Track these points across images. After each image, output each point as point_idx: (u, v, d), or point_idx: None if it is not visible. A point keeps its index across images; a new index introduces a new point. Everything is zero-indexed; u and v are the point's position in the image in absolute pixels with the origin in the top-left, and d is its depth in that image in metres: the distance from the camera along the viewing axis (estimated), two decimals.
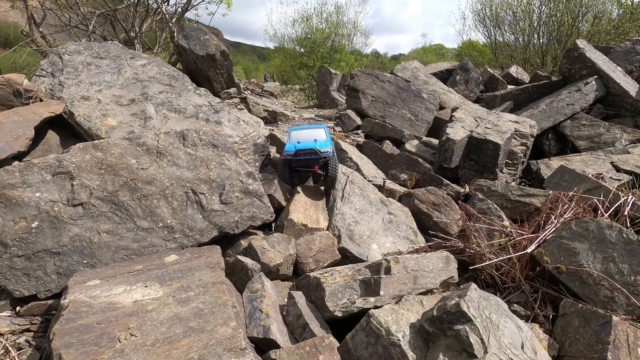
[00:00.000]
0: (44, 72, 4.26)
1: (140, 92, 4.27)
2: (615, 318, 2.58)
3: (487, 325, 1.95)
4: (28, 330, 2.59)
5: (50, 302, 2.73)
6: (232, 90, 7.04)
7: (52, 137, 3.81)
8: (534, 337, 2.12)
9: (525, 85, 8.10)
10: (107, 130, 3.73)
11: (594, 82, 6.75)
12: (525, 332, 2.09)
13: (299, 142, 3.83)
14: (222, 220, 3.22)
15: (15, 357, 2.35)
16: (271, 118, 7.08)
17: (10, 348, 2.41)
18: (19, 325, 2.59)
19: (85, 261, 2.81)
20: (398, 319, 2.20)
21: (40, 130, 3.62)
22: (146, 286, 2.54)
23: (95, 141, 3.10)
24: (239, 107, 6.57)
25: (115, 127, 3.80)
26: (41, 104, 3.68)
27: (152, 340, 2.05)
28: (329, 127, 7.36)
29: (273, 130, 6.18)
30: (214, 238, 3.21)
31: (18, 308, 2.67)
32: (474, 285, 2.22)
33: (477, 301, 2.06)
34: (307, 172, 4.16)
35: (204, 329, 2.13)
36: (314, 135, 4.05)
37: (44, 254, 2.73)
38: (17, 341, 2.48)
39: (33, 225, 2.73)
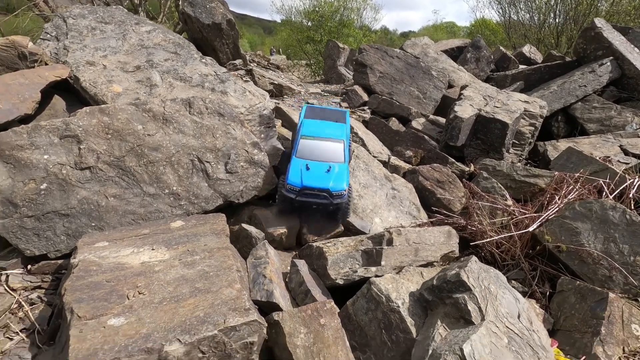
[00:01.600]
0: (48, 35, 4.19)
1: (146, 59, 4.22)
2: (611, 295, 2.63)
3: (486, 295, 1.99)
4: (39, 287, 2.68)
5: (60, 261, 2.81)
6: (238, 61, 6.93)
7: (58, 102, 3.80)
8: (530, 309, 2.17)
9: (538, 65, 7.89)
10: (112, 96, 3.71)
11: (609, 64, 6.56)
12: (523, 304, 2.14)
13: (307, 169, 3.09)
14: (227, 189, 3.25)
15: (28, 312, 2.45)
16: (277, 91, 6.99)
17: (23, 303, 2.50)
18: (30, 282, 2.68)
19: (93, 224, 2.86)
20: (398, 288, 2.25)
21: (46, 95, 3.60)
22: (153, 249, 2.60)
23: (102, 105, 3.09)
24: (244, 79, 6.48)
25: (120, 94, 3.78)
26: (46, 67, 3.65)
27: (160, 299, 2.12)
28: (334, 102, 7.27)
29: (279, 103, 6.13)
30: (219, 206, 3.25)
31: (29, 266, 2.75)
32: (474, 258, 2.25)
33: (477, 272, 2.09)
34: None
35: (209, 290, 2.20)
36: (329, 153, 3.24)
37: (53, 215, 2.78)
38: (29, 297, 2.58)
39: (42, 186, 2.77)
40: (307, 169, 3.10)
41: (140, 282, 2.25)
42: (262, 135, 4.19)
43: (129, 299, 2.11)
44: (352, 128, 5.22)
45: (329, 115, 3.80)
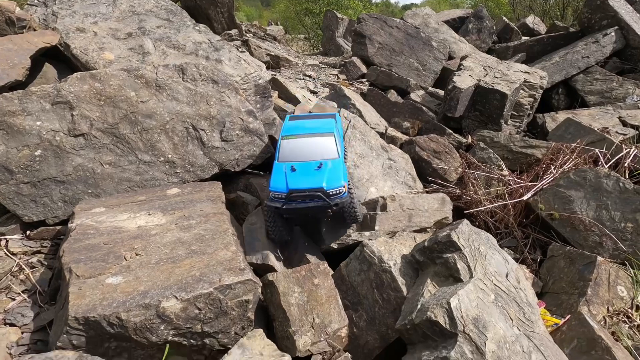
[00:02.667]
0: (36, 1, 4.06)
1: (137, 26, 4.11)
2: (600, 258, 2.68)
3: (475, 255, 2.04)
4: (39, 252, 2.73)
5: (58, 228, 2.84)
6: (234, 32, 6.75)
7: (49, 70, 3.73)
8: (519, 270, 2.22)
9: (541, 36, 7.71)
10: (104, 64, 3.64)
11: (613, 34, 6.41)
12: (511, 265, 2.19)
13: (293, 170, 2.49)
14: (222, 157, 3.24)
15: (29, 274, 2.51)
16: (274, 63, 6.86)
17: (23, 266, 2.55)
18: (30, 247, 2.72)
19: (89, 191, 2.88)
20: (390, 250, 2.30)
21: (36, 63, 3.53)
22: (149, 214, 2.63)
23: (93, 71, 3.04)
24: (240, 49, 6.34)
25: (113, 62, 3.70)
26: (35, 33, 3.56)
27: (156, 260, 2.17)
28: (332, 75, 7.15)
29: (275, 75, 6.02)
30: (215, 175, 3.26)
31: (28, 232, 2.79)
32: (466, 221, 2.28)
33: (467, 233, 2.13)
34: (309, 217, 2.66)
35: (205, 252, 2.24)
36: (318, 149, 2.64)
37: (49, 182, 2.79)
38: (29, 261, 2.63)
39: (36, 153, 2.77)
40: (293, 170, 2.48)
41: (137, 245, 2.29)
42: (258, 105, 4.15)
43: (126, 259, 2.16)
44: (349, 99, 5.16)
45: (315, 117, 3.23)
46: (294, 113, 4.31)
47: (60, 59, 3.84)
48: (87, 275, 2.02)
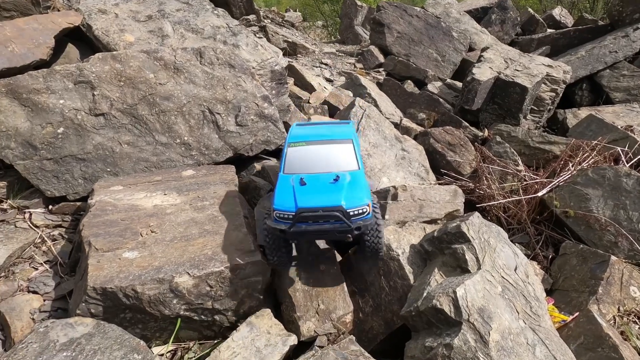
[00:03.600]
0: None
1: (157, 8, 4.15)
2: (613, 258, 2.64)
3: (484, 247, 2.03)
4: (60, 226, 2.84)
5: (78, 204, 2.95)
6: (251, 17, 6.74)
7: (72, 50, 3.82)
8: (528, 264, 2.21)
9: (567, 29, 7.43)
10: (125, 46, 3.70)
11: None
12: (521, 259, 2.18)
13: (302, 184, 2.02)
14: (237, 141, 3.29)
15: (51, 246, 2.63)
16: (291, 50, 6.83)
17: (46, 238, 2.68)
18: (52, 221, 2.84)
19: (108, 169, 2.97)
20: (400, 239, 2.31)
21: (60, 43, 3.62)
22: (165, 194, 2.71)
23: (114, 52, 3.10)
24: (257, 35, 6.33)
25: (133, 44, 3.76)
26: (59, 13, 3.64)
27: (171, 237, 2.24)
28: (349, 63, 7.08)
29: (292, 62, 6.01)
30: (229, 158, 3.31)
31: (50, 206, 2.91)
32: (477, 213, 2.27)
33: (477, 225, 2.12)
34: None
35: (217, 232, 2.30)
36: (333, 159, 2.22)
37: (71, 159, 2.89)
38: (51, 233, 2.75)
39: (59, 130, 2.86)
40: (303, 184, 2.01)
41: (153, 222, 2.36)
42: (274, 92, 4.16)
43: (142, 236, 2.24)
44: (365, 88, 5.12)
45: (326, 123, 2.81)
46: (306, 110, 4.06)
47: (83, 40, 3.93)
48: (105, 249, 2.10)
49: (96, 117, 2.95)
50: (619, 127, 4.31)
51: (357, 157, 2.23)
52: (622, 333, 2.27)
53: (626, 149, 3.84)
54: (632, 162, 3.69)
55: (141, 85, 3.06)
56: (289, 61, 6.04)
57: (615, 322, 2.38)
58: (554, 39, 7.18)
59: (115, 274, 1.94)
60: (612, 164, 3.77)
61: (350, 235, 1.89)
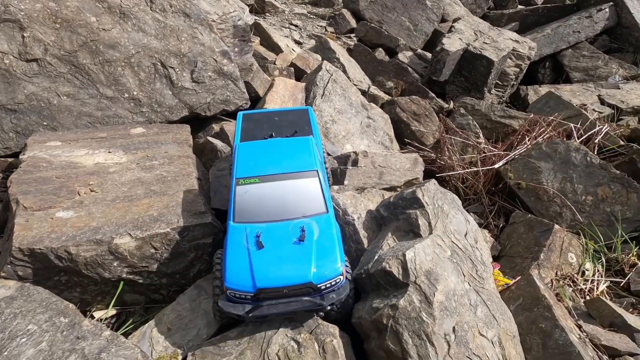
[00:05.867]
0: None
1: None
2: (556, 227, 2.78)
3: (438, 213, 2.05)
4: None
5: (10, 160, 2.67)
6: None
7: None
8: (478, 231, 2.27)
9: (536, 6, 7.49)
10: None
11: (607, 10, 6.28)
12: (472, 225, 2.23)
13: (259, 246, 1.63)
14: (193, 99, 3.07)
15: None
16: (258, 7, 6.42)
17: None
18: None
19: (45, 123, 2.69)
20: (356, 204, 2.28)
21: None
22: (110, 152, 2.50)
23: None
24: None
25: None
26: None
27: (113, 197, 2.08)
28: (320, 26, 6.78)
29: (259, 20, 5.66)
30: (185, 117, 3.10)
31: None
32: (434, 180, 2.28)
33: (433, 192, 2.13)
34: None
35: (165, 193, 2.16)
36: (295, 199, 1.80)
37: None
38: None
39: None
40: (260, 246, 1.61)
41: (93, 181, 2.18)
42: (236, 49, 3.89)
43: (79, 195, 2.06)
44: (334, 52, 4.93)
45: (281, 124, 2.35)
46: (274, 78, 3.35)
47: None
48: (35, 207, 1.92)
49: (27, 62, 2.62)
50: (575, 105, 4.48)
51: (324, 195, 1.83)
52: (557, 295, 2.44)
53: (579, 125, 4.01)
54: (583, 138, 3.87)
55: (81, 30, 2.73)
56: (255, 19, 5.67)
57: (552, 285, 2.54)
58: (523, 15, 7.22)
59: (46, 234, 1.78)
60: (565, 139, 3.93)
61: (321, 312, 1.62)
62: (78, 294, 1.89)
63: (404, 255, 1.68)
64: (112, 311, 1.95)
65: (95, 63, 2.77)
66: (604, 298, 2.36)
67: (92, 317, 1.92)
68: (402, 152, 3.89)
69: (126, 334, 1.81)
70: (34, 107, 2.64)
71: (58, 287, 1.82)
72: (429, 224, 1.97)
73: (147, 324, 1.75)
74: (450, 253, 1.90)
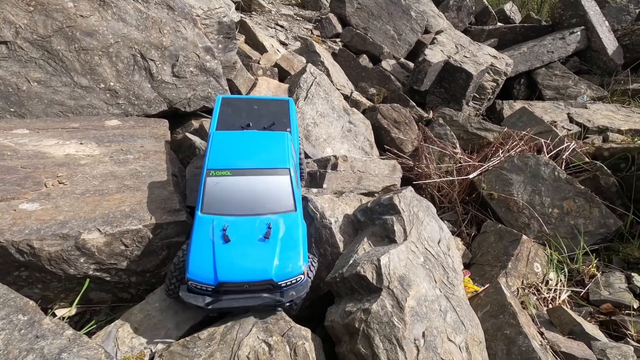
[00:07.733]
0: None
1: None
2: (524, 237, 2.90)
3: (413, 220, 2.10)
4: None
5: None
6: None
7: None
8: (451, 239, 2.33)
9: (515, 25, 7.82)
10: None
11: (579, 33, 6.64)
12: (445, 233, 2.29)
13: (225, 240, 1.65)
14: (172, 94, 3.00)
15: None
16: (245, 5, 6.37)
17: None
18: None
19: (12, 109, 2.55)
20: (334, 208, 2.30)
21: None
22: (81, 144, 2.40)
23: None
24: None
25: None
26: None
27: (82, 190, 2.00)
28: (306, 29, 6.79)
29: (245, 18, 5.61)
30: (163, 112, 3.03)
31: None
32: (410, 188, 2.33)
33: (409, 199, 2.18)
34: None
35: (139, 188, 2.10)
36: (264, 196, 1.82)
37: None
38: None
39: None
40: (226, 239, 1.64)
41: (62, 173, 2.09)
42: (220, 46, 3.84)
43: (46, 187, 1.97)
44: (319, 55, 4.95)
45: (260, 114, 2.32)
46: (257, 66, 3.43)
47: None
48: None
49: None
50: (546, 121, 4.70)
51: (294, 194, 1.85)
52: (522, 303, 2.54)
53: (549, 141, 4.20)
54: (552, 153, 4.06)
55: (57, 14, 2.62)
56: (241, 16, 5.62)
57: (518, 293, 2.65)
58: (502, 32, 7.52)
59: (7, 226, 1.69)
60: (535, 153, 4.10)
61: (280, 308, 1.68)
62: (39, 291, 1.80)
63: (378, 260, 1.71)
64: (75, 309, 1.86)
65: (70, 50, 2.66)
66: (565, 307, 2.48)
67: (54, 315, 1.83)
68: (382, 158, 3.95)
69: (90, 334, 1.74)
70: (0, 92, 2.50)
71: (17, 283, 1.73)
72: (404, 230, 2.01)
73: (112, 324, 1.69)
74: (424, 259, 1.94)
